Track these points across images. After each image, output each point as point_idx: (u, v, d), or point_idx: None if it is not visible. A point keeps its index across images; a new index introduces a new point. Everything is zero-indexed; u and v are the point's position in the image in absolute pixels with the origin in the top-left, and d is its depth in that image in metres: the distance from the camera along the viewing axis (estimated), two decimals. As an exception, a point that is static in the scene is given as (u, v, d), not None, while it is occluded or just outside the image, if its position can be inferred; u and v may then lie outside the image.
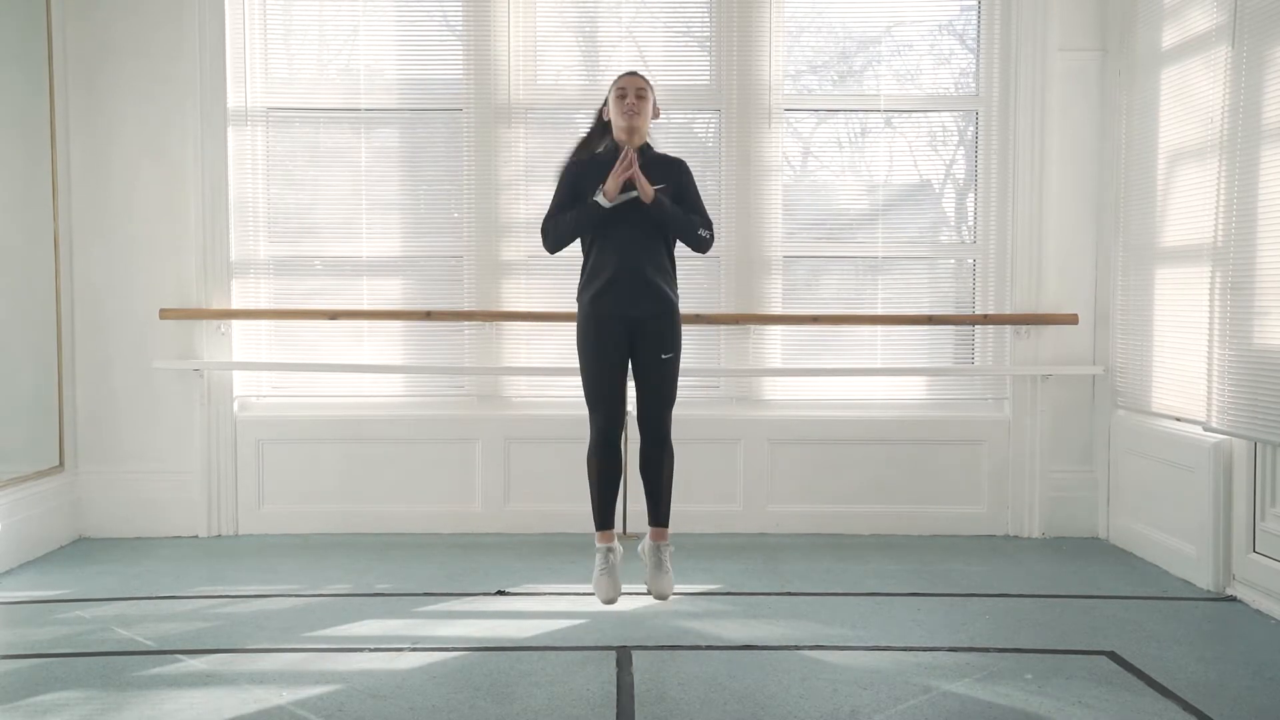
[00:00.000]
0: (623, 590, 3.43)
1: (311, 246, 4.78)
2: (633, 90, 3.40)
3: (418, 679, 2.96)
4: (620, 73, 3.54)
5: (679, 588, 3.82)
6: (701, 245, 3.46)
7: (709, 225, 3.48)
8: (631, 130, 3.39)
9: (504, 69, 4.70)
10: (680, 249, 3.53)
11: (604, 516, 3.45)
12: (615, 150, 3.42)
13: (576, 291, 3.46)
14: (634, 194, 3.34)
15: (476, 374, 4.75)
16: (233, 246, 4.65)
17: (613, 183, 3.29)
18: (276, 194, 4.76)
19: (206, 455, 4.63)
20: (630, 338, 3.37)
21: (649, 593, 3.46)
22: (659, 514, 3.46)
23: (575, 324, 3.47)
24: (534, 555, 4.30)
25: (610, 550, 3.43)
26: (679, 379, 3.45)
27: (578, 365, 3.45)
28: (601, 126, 3.54)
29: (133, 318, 4.62)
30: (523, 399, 4.77)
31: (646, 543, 3.52)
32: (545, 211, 3.49)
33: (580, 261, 3.51)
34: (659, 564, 3.43)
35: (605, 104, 3.49)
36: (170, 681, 2.94)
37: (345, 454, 4.70)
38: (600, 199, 3.32)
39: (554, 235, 3.45)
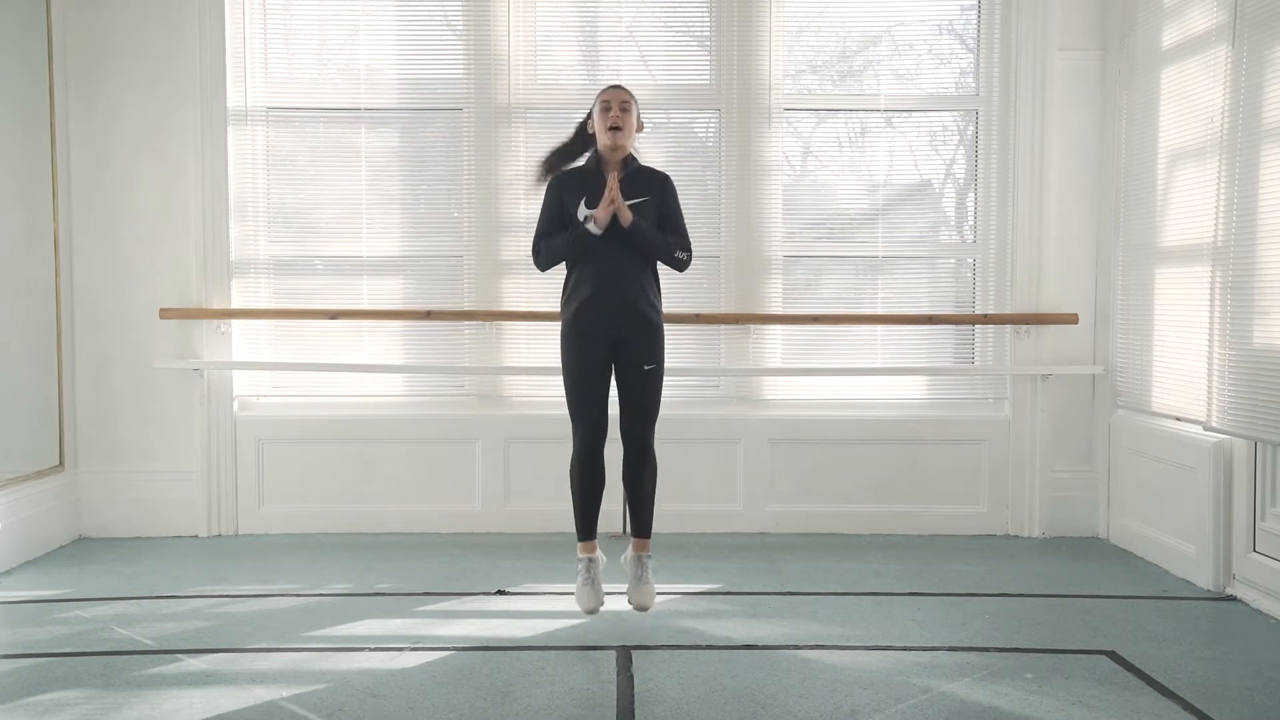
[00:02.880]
0: (605, 603, 3.45)
1: (312, 246, 4.77)
2: (617, 103, 3.42)
3: (418, 679, 2.96)
4: (604, 86, 3.56)
5: (679, 587, 3.83)
6: (678, 266, 3.50)
7: (687, 246, 3.50)
8: (615, 145, 3.42)
9: (504, 69, 4.70)
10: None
11: (586, 527, 3.47)
12: (598, 163, 3.45)
13: (560, 303, 3.49)
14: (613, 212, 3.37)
15: (476, 374, 4.75)
16: (233, 246, 4.65)
17: (603, 213, 3.32)
18: (276, 193, 4.76)
19: (206, 455, 4.63)
20: (613, 350, 3.39)
21: (629, 603, 3.45)
22: (641, 525, 3.48)
23: (559, 335, 3.48)
24: (534, 555, 4.30)
25: (592, 560, 3.46)
26: (662, 390, 3.46)
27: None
28: (582, 138, 3.56)
29: (133, 317, 4.62)
30: (523, 399, 4.76)
31: (628, 554, 3.53)
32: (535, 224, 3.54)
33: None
34: (640, 576, 3.44)
35: (589, 116, 3.52)
36: (170, 681, 2.94)
37: (345, 454, 4.70)
38: (591, 226, 3.35)
39: (545, 257, 3.50)
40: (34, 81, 4.36)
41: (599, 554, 3.49)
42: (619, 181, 3.38)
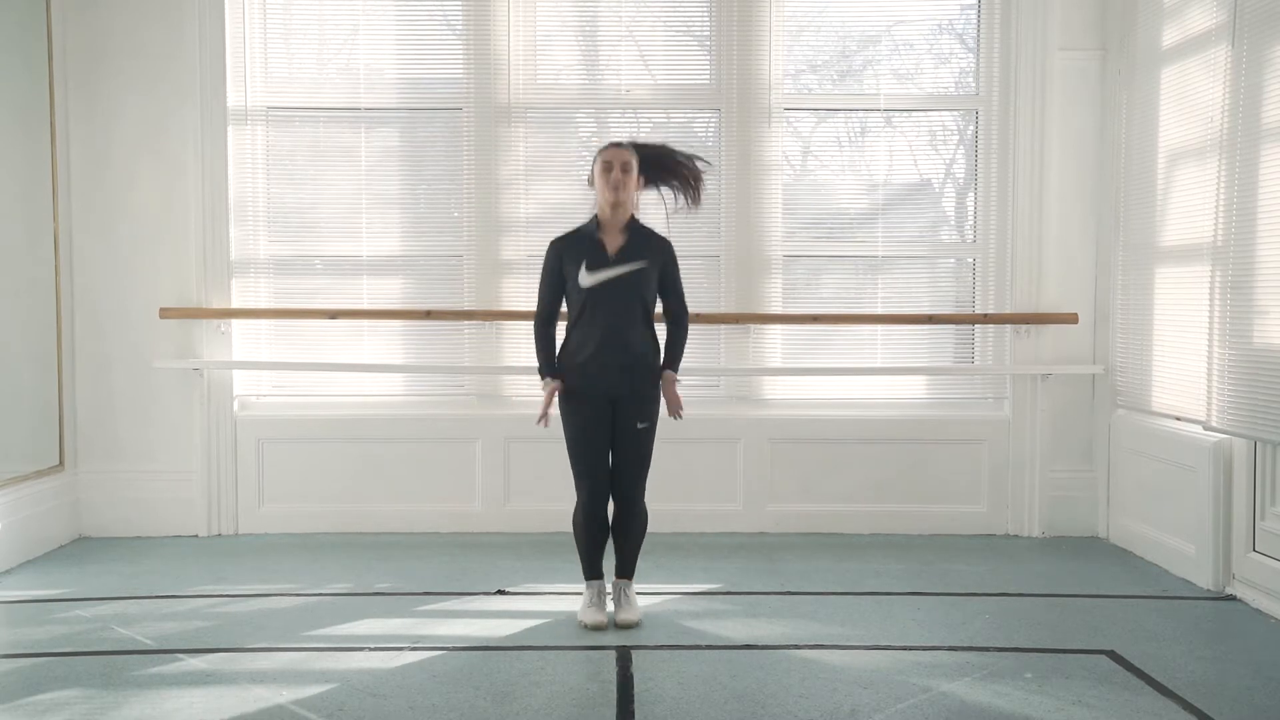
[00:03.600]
0: (609, 621, 3.45)
1: (311, 245, 4.77)
2: (618, 164, 3.40)
3: (418, 679, 2.96)
4: (605, 144, 3.49)
5: (679, 587, 3.84)
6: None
7: (686, 314, 3.56)
8: (617, 204, 3.41)
9: (504, 69, 4.70)
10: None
11: (593, 569, 3.52)
12: (597, 226, 3.43)
13: (558, 357, 3.47)
14: (614, 272, 3.37)
15: (476, 373, 4.75)
16: (233, 245, 4.65)
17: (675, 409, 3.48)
18: (276, 193, 4.75)
19: (206, 455, 4.63)
20: (612, 410, 3.42)
21: (615, 622, 3.44)
22: (626, 569, 3.54)
23: (558, 394, 3.45)
24: (534, 555, 4.30)
25: (601, 588, 3.52)
26: (653, 445, 3.49)
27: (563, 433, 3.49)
28: (681, 172, 3.58)
29: (133, 317, 4.62)
30: (523, 399, 4.76)
31: (613, 581, 3.57)
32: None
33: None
34: (625, 599, 3.49)
35: (591, 174, 3.48)
36: (170, 680, 2.94)
37: (345, 454, 4.70)
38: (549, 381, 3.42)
39: (536, 336, 3.51)
40: (34, 81, 4.36)
41: (604, 582, 3.54)
42: (621, 247, 3.39)
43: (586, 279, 3.38)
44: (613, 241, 3.41)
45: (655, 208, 3.66)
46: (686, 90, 4.77)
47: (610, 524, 3.52)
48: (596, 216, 3.46)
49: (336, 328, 4.72)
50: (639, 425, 3.41)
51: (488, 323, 4.71)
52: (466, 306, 4.73)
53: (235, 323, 4.68)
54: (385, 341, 4.78)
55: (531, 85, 4.74)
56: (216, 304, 4.62)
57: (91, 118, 4.59)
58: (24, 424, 4.33)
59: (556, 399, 3.44)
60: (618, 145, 3.46)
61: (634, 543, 3.52)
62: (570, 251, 3.44)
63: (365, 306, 4.74)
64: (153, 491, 4.65)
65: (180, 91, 4.57)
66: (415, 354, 4.78)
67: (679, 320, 3.54)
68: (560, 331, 3.51)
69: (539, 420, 3.42)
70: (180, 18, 4.54)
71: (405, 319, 4.71)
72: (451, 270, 4.76)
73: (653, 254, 3.44)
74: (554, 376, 3.44)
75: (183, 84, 4.56)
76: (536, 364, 3.49)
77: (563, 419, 3.46)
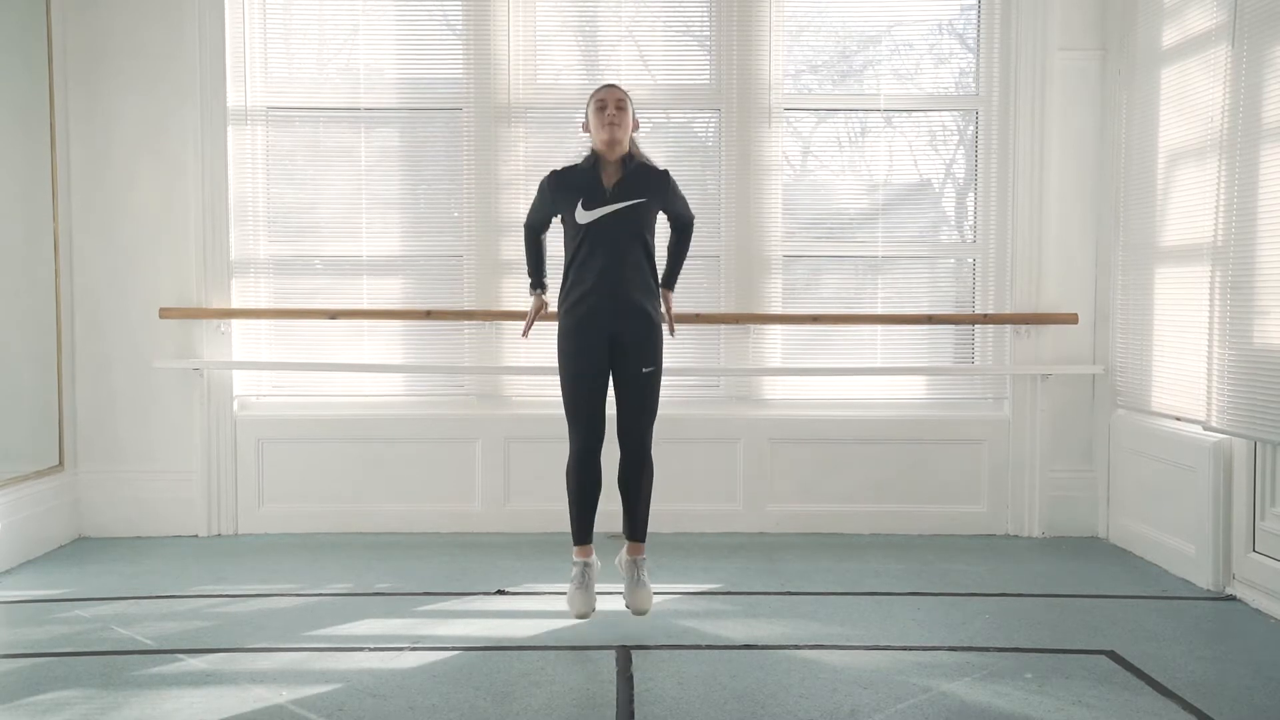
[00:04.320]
0: (597, 608, 3.39)
1: (311, 246, 4.78)
2: (612, 102, 3.36)
3: (418, 679, 2.96)
4: (598, 85, 3.50)
5: (679, 587, 3.83)
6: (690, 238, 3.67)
7: (690, 223, 3.63)
8: (612, 141, 3.36)
9: (504, 69, 4.70)
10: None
11: (583, 531, 3.41)
12: (595, 162, 3.40)
13: (557, 301, 3.45)
14: (612, 208, 3.33)
15: (476, 374, 4.75)
16: (233, 246, 4.65)
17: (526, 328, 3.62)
18: (276, 193, 4.76)
19: (206, 455, 4.63)
20: (611, 352, 3.34)
21: (627, 607, 3.40)
22: (636, 529, 3.43)
23: (555, 334, 3.43)
24: (534, 555, 4.30)
25: (588, 565, 3.40)
26: (660, 391, 3.42)
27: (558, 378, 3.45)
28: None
29: (133, 317, 4.62)
30: (523, 399, 4.76)
31: (623, 557, 3.47)
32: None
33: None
34: (637, 579, 3.39)
35: (586, 118, 3.45)
36: (170, 681, 2.94)
37: (345, 454, 4.70)
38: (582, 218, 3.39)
39: (526, 247, 3.63)
40: (34, 81, 4.36)
41: (594, 558, 3.43)
42: (618, 182, 3.35)
43: (584, 215, 3.33)
44: (610, 177, 3.36)
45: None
46: (686, 90, 4.78)
47: (618, 479, 3.40)
48: (594, 152, 3.42)
49: (336, 328, 4.72)
50: (644, 370, 3.34)
51: (488, 323, 4.72)
52: (466, 306, 4.73)
53: (235, 323, 4.68)
54: (385, 341, 4.78)
55: (531, 85, 4.74)
56: (216, 304, 4.63)
57: (91, 118, 4.59)
58: (24, 424, 4.33)
59: (555, 341, 3.41)
60: (610, 86, 3.44)
61: (643, 498, 3.40)
62: (566, 186, 3.39)
63: (365, 306, 4.74)
64: (153, 491, 4.65)
65: (180, 91, 4.57)
66: (415, 354, 4.79)
67: (683, 232, 3.59)
68: (555, 292, 3.52)
69: (524, 333, 3.58)
70: (180, 18, 4.55)
71: (405, 319, 4.71)
72: (451, 270, 4.77)
73: (652, 189, 3.40)
74: (541, 291, 3.57)
75: (183, 84, 4.56)
76: (530, 268, 3.61)
77: (559, 360, 3.39)
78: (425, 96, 4.77)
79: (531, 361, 4.72)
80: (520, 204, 4.72)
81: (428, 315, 4.66)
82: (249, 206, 4.72)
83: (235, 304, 4.67)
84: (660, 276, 3.52)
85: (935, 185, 4.92)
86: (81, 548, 4.47)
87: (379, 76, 4.77)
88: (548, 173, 3.47)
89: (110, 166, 4.60)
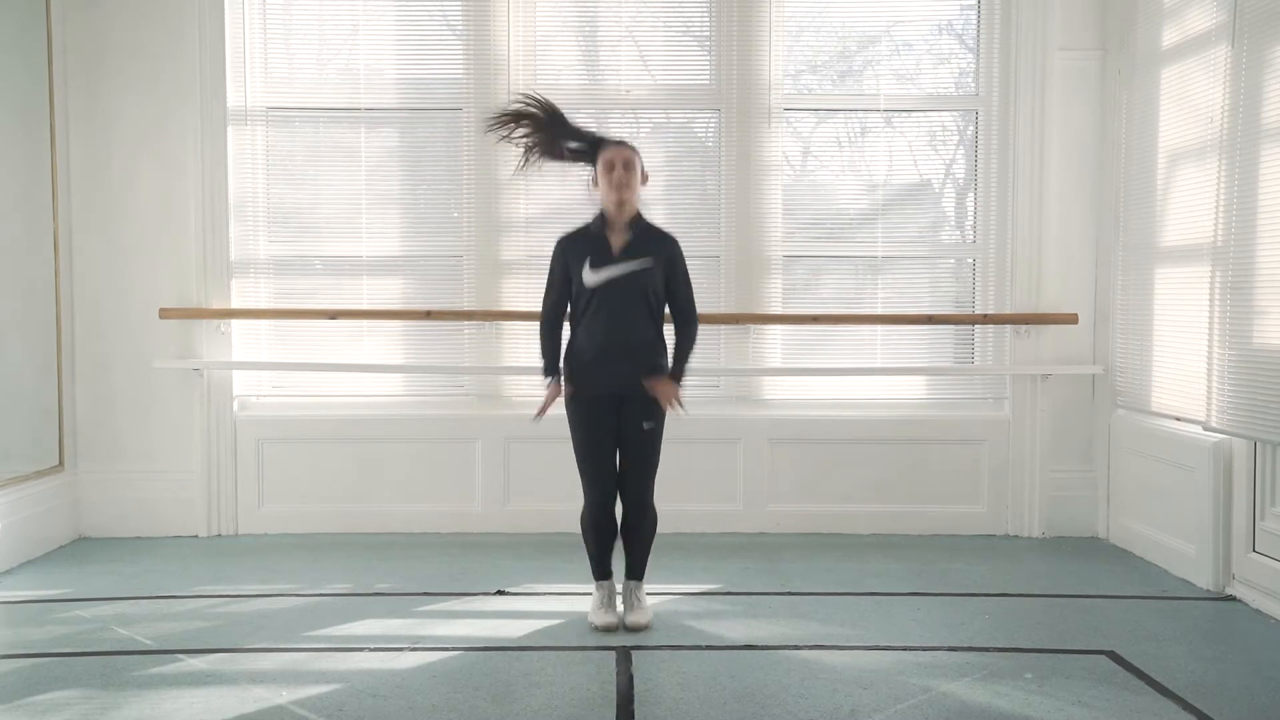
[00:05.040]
0: (619, 622, 3.43)
1: (311, 246, 4.77)
2: (620, 162, 3.36)
3: (418, 679, 2.96)
4: (607, 144, 3.44)
5: (679, 587, 3.84)
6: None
7: (693, 315, 3.50)
8: (620, 203, 3.37)
9: (504, 69, 4.70)
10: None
11: (602, 569, 3.50)
12: (603, 224, 3.40)
13: (563, 359, 3.45)
14: (620, 270, 3.34)
15: (476, 374, 4.75)
16: (232, 246, 4.65)
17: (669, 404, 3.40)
18: (276, 193, 4.75)
19: (206, 455, 4.63)
20: (617, 411, 3.39)
21: (625, 624, 3.41)
22: (636, 570, 3.50)
23: (563, 395, 3.44)
24: (534, 555, 4.30)
25: (610, 590, 3.50)
26: (660, 447, 3.45)
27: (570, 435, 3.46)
28: (590, 148, 3.49)
29: (133, 318, 4.62)
30: (523, 399, 4.76)
31: (622, 583, 3.54)
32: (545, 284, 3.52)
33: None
34: (636, 601, 3.46)
35: (594, 175, 3.43)
36: (170, 681, 2.94)
37: (345, 454, 4.70)
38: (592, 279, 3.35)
39: (541, 335, 3.50)
40: (34, 81, 4.36)
41: (613, 582, 3.53)
42: (625, 245, 3.36)
43: (591, 277, 3.35)
44: (617, 239, 3.38)
45: (653, 208, 3.64)
46: (686, 90, 4.77)
47: (619, 525, 3.48)
48: (602, 214, 3.43)
49: (336, 328, 4.72)
50: (645, 426, 3.38)
51: (488, 323, 4.71)
52: (466, 307, 4.73)
53: (235, 323, 4.68)
54: (385, 342, 4.77)
55: (531, 85, 4.70)
56: (216, 304, 4.62)
57: (91, 118, 4.59)
58: (24, 424, 4.33)
59: (561, 400, 3.43)
60: (618, 144, 3.43)
61: (644, 545, 3.48)
62: (575, 249, 3.41)
63: (365, 307, 4.74)
64: (153, 491, 4.65)
65: (180, 91, 4.57)
66: (415, 354, 4.78)
67: (684, 326, 3.48)
68: (566, 332, 3.49)
69: (536, 416, 3.44)
70: (180, 18, 4.54)
71: (405, 319, 4.71)
72: (451, 270, 4.76)
73: (658, 252, 3.40)
74: (556, 378, 3.44)
75: (183, 84, 4.56)
76: (541, 364, 3.47)
77: (569, 420, 3.44)
78: (425, 96, 4.77)
79: (531, 361, 4.69)
80: (520, 204, 4.72)
81: (428, 315, 4.66)
82: (249, 206, 4.71)
83: (235, 304, 4.67)
84: (668, 360, 3.48)
85: (935, 185, 4.92)
86: (81, 548, 4.47)
87: (379, 76, 4.77)
88: (556, 240, 3.47)
89: (110, 166, 4.60)
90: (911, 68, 4.83)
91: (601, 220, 3.42)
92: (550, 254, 3.49)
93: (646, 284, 3.38)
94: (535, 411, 3.45)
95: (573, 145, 3.52)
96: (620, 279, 3.35)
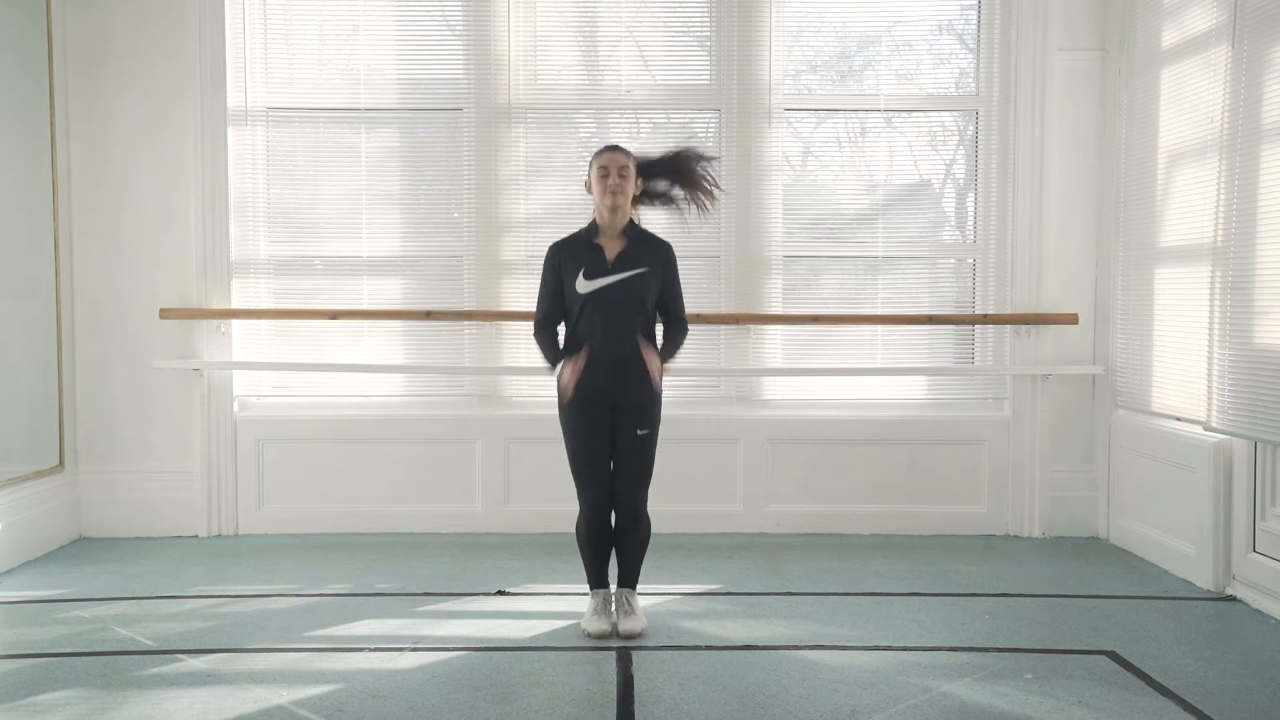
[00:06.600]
0: (614, 629, 3.39)
1: (311, 246, 4.77)
2: (615, 169, 3.34)
3: (418, 679, 2.96)
4: (601, 147, 3.43)
5: (679, 587, 3.84)
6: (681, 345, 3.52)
7: (684, 326, 3.49)
8: (615, 209, 3.35)
9: (504, 69, 4.70)
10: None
11: (599, 577, 3.47)
12: (595, 232, 3.39)
13: (559, 366, 3.40)
14: (614, 279, 3.33)
15: (476, 374, 4.75)
16: (232, 246, 4.65)
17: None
18: (276, 193, 4.76)
19: (206, 455, 4.63)
20: (611, 416, 3.37)
21: (618, 631, 3.38)
22: (629, 579, 3.48)
23: (555, 401, 3.43)
24: (534, 555, 4.30)
25: (605, 598, 3.46)
26: (654, 453, 3.42)
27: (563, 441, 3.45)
28: (680, 170, 3.50)
29: (133, 318, 4.62)
30: (523, 399, 4.76)
31: (615, 589, 3.52)
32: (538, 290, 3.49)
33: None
34: (628, 608, 3.42)
35: (588, 178, 3.42)
36: (170, 681, 2.94)
37: (345, 454, 4.70)
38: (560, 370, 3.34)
39: (540, 348, 3.47)
40: (34, 81, 4.36)
41: (609, 591, 3.50)
42: (620, 253, 3.35)
43: (584, 285, 3.34)
44: (611, 247, 3.37)
45: (656, 212, 3.63)
46: (686, 90, 4.77)
47: (615, 537, 3.45)
48: (595, 220, 3.42)
49: (336, 328, 4.72)
50: (639, 432, 3.36)
51: (488, 323, 4.71)
52: (466, 307, 4.73)
53: (235, 323, 4.68)
54: (385, 342, 4.78)
55: (531, 85, 4.74)
56: (216, 304, 4.62)
57: (91, 118, 4.59)
58: (24, 424, 4.33)
59: (556, 410, 3.41)
60: (612, 149, 3.40)
61: (637, 553, 3.46)
62: (568, 257, 3.39)
63: (365, 307, 4.74)
64: (153, 491, 4.65)
65: (180, 92, 4.57)
66: (415, 354, 4.78)
67: (674, 330, 3.48)
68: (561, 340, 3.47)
69: (569, 396, 3.33)
70: (180, 18, 4.55)
71: (405, 319, 4.71)
72: (451, 271, 4.76)
73: (652, 259, 3.39)
74: (567, 359, 3.36)
75: (183, 84, 4.56)
76: (547, 364, 3.43)
77: (563, 426, 3.42)
78: (425, 96, 4.77)
79: (531, 361, 4.71)
80: (520, 204, 4.72)
81: (428, 315, 4.66)
82: (249, 206, 4.71)
83: (235, 304, 4.67)
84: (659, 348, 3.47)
85: (935, 185, 4.92)
86: (81, 548, 4.47)
87: (379, 77, 4.77)
88: (549, 247, 3.46)
89: (110, 166, 4.60)
90: (911, 68, 4.83)
91: (594, 227, 3.40)
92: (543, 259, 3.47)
93: (640, 292, 3.36)
94: (565, 398, 3.34)
95: (661, 183, 3.53)
96: (614, 287, 3.34)
